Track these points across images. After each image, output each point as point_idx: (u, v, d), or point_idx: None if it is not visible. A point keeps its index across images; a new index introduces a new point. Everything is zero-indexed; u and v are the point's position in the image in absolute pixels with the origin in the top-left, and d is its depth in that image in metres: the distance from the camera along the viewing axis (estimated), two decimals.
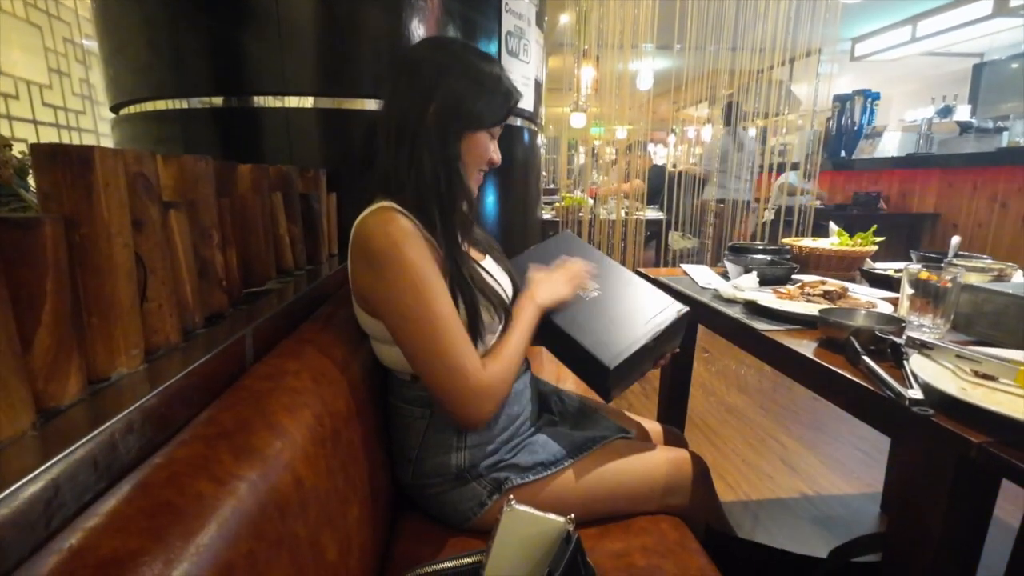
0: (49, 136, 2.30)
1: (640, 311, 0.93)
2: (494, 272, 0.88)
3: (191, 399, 0.52)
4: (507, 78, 0.84)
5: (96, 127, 2.62)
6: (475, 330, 0.78)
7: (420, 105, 0.77)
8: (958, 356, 0.67)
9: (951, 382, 0.63)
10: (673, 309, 0.94)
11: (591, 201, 3.32)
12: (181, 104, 1.33)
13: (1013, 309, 0.78)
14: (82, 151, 0.43)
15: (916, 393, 0.60)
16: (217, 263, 0.69)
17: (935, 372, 0.65)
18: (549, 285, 0.91)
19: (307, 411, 0.58)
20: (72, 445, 0.37)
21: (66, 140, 2.38)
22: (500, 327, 0.84)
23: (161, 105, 1.35)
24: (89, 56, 2.52)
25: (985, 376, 0.65)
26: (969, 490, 0.60)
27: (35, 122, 2.23)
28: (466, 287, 0.77)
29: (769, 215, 3.46)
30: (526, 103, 1.56)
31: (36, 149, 0.42)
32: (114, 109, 1.50)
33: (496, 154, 0.86)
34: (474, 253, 0.89)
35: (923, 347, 0.71)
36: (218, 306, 0.69)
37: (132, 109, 1.42)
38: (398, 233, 0.72)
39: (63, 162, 0.43)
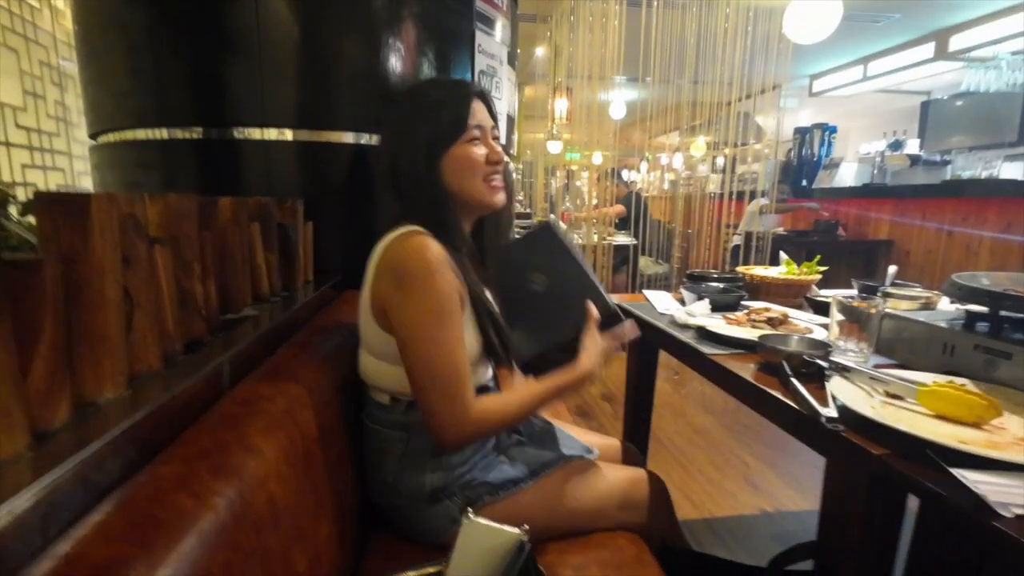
0: (21, 158, 2.29)
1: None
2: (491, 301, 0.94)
3: (171, 422, 0.56)
4: (454, 81, 0.89)
5: (70, 149, 2.61)
6: (492, 349, 0.86)
7: (395, 148, 0.87)
8: (871, 378, 0.75)
9: (864, 402, 0.71)
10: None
11: (564, 226, 3.42)
12: (161, 134, 1.37)
13: (925, 335, 0.88)
14: (80, 199, 0.48)
15: (831, 412, 0.68)
16: (197, 293, 0.73)
17: (852, 393, 0.73)
18: (595, 362, 0.86)
19: (281, 432, 0.62)
20: (64, 464, 0.41)
21: (39, 162, 2.36)
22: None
23: (141, 134, 1.39)
24: (65, 79, 2.52)
25: (894, 396, 0.73)
26: (881, 499, 0.67)
27: (7, 144, 2.22)
28: (482, 307, 0.85)
29: (737, 240, 3.61)
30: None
31: (39, 195, 0.47)
32: (93, 136, 1.53)
33: (494, 152, 0.87)
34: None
35: (843, 370, 0.79)
36: (197, 333, 0.73)
37: (111, 137, 1.45)
38: (434, 260, 0.78)
39: (63, 207, 0.47)
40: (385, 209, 0.92)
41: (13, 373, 0.40)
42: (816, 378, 0.83)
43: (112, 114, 1.43)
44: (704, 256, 3.56)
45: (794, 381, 0.77)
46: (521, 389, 0.85)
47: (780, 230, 3.97)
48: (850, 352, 0.92)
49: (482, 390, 0.93)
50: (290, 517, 0.57)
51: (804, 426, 0.75)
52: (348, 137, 1.41)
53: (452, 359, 0.77)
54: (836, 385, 0.75)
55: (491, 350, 0.87)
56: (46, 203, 0.47)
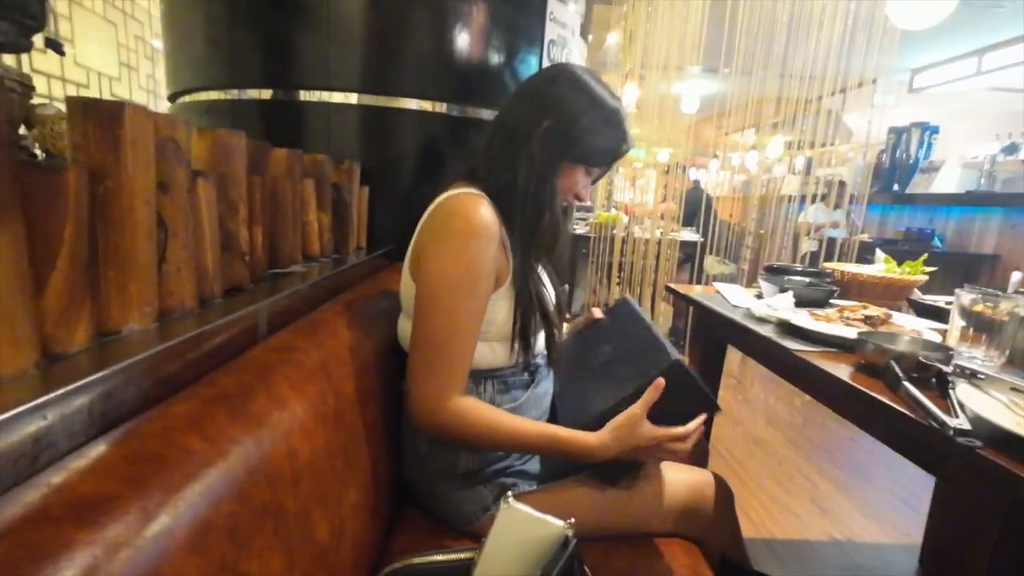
0: None
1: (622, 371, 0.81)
2: (545, 282, 0.88)
3: (198, 363, 0.52)
4: (625, 131, 0.83)
5: None
6: (525, 337, 0.80)
7: (538, 117, 0.79)
8: (1014, 389, 0.61)
9: (1006, 415, 0.57)
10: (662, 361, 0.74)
11: (626, 219, 3.27)
12: (231, 95, 1.39)
13: None
14: (113, 106, 0.44)
15: (962, 423, 0.55)
16: (241, 237, 0.70)
17: (986, 404, 0.60)
18: (626, 445, 0.74)
19: (312, 387, 0.58)
20: (68, 388, 0.37)
21: None
22: (542, 334, 0.86)
23: (213, 95, 1.41)
24: (156, 54, 2.67)
25: None
26: (1018, 537, 0.54)
27: None
28: (527, 295, 0.79)
29: (811, 245, 3.33)
30: None
31: (71, 101, 0.44)
32: (171, 98, 1.58)
33: (586, 191, 0.86)
34: None
35: (973, 377, 0.65)
36: (239, 279, 0.70)
37: (187, 98, 1.49)
38: (480, 224, 0.72)
39: (94, 115, 0.44)
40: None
41: (23, 281, 0.37)
42: (931, 386, 0.69)
43: (188, 76, 1.46)
44: (778, 258, 3.29)
45: (908, 385, 0.64)
46: (522, 420, 0.76)
47: (865, 237, 3.62)
48: (975, 360, 0.77)
49: (526, 368, 0.86)
50: (313, 478, 0.52)
51: (917, 439, 0.62)
52: (412, 104, 1.37)
53: (454, 332, 0.71)
54: (965, 393, 0.61)
55: (524, 333, 0.79)
56: (79, 110, 0.44)
